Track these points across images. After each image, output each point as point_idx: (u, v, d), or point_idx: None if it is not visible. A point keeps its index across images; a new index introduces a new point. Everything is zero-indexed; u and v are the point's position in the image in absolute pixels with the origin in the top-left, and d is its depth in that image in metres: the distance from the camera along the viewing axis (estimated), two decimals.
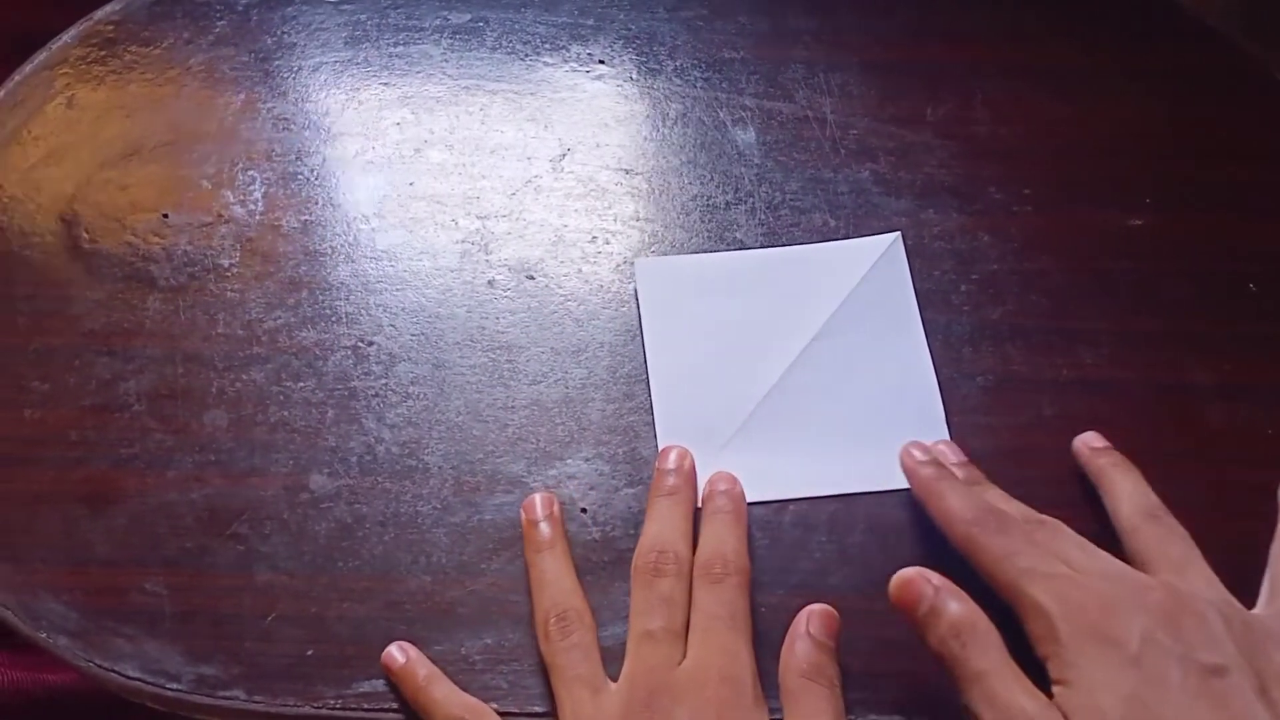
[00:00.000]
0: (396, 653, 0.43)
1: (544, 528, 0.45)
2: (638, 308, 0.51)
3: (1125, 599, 0.38)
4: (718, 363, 0.50)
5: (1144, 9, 0.61)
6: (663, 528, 0.44)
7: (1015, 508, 0.43)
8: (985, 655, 0.37)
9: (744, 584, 0.42)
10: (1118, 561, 0.41)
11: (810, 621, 0.41)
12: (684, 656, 0.41)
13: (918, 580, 0.39)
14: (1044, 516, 0.43)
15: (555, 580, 0.44)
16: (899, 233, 0.53)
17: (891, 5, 0.61)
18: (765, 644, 0.42)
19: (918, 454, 0.45)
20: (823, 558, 0.46)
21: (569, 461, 0.48)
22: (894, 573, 0.41)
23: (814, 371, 0.49)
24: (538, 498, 0.46)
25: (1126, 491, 0.44)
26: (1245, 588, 0.46)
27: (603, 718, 0.40)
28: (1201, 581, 0.40)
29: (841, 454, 0.48)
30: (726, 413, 0.48)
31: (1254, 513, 0.47)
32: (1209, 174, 0.55)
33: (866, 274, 0.51)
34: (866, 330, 0.50)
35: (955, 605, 0.38)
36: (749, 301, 0.51)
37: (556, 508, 0.46)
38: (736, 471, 0.47)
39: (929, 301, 0.51)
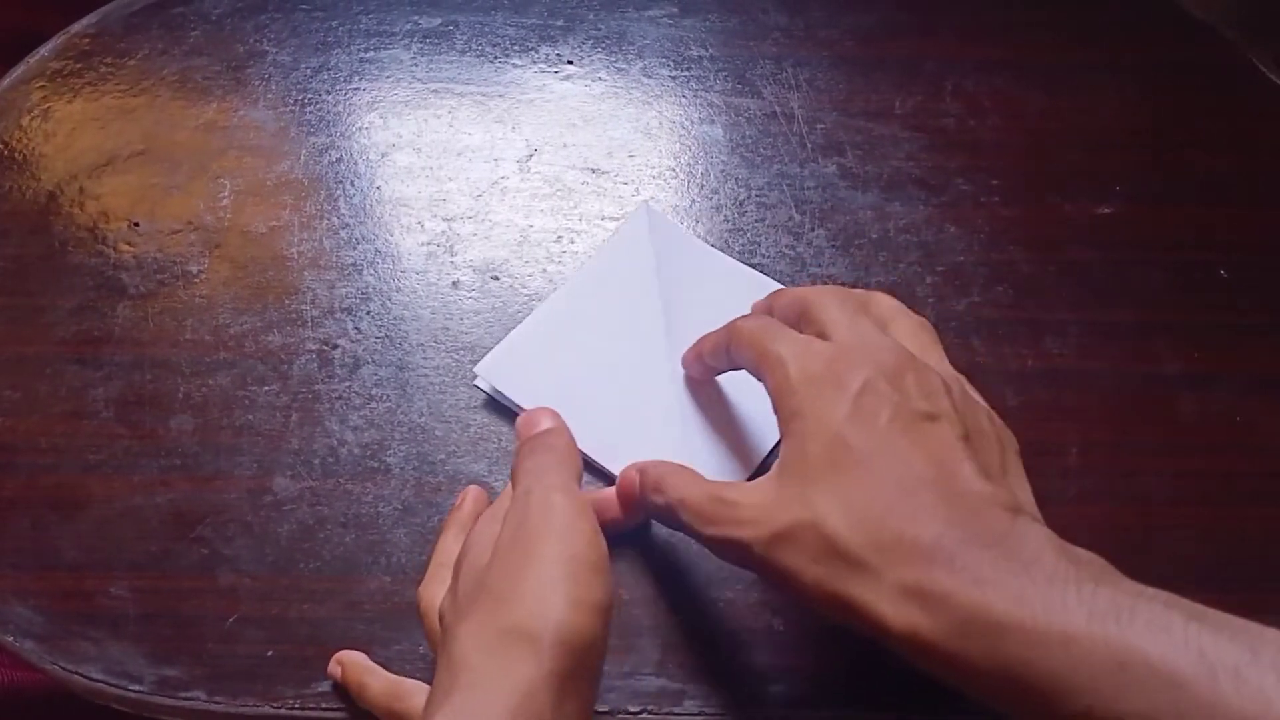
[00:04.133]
0: (334, 668, 0.43)
1: (467, 509, 0.45)
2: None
3: (859, 352, 0.37)
4: (606, 395, 0.48)
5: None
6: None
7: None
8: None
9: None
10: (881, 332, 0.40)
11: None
12: None
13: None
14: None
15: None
16: (646, 201, 0.54)
17: (866, 0, 0.61)
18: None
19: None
20: None
21: None
22: None
23: (669, 365, 0.48)
24: (470, 489, 0.45)
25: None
26: (1220, 575, 0.45)
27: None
28: (936, 359, 0.40)
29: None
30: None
31: (1223, 500, 0.46)
32: (1179, 162, 0.55)
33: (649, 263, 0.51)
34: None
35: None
36: (588, 339, 0.50)
37: (485, 502, 0.45)
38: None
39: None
